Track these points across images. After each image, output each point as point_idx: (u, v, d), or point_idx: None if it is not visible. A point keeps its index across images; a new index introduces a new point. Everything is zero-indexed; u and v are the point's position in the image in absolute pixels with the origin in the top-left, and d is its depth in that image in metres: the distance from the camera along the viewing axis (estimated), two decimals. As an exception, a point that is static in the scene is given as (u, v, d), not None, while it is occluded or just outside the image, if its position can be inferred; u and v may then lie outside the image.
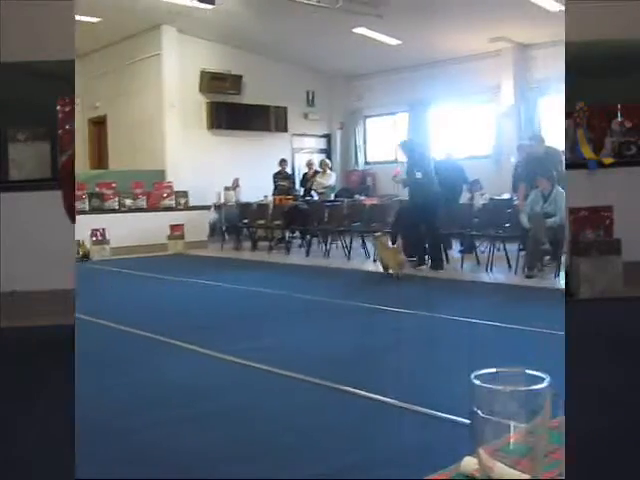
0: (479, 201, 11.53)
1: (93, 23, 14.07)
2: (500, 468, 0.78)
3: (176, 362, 5.26)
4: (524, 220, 9.08)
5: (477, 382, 0.75)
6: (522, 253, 9.45)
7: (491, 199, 11.66)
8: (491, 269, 9.58)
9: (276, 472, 3.18)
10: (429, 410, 3.87)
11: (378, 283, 9.39)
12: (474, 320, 6.36)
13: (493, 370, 0.77)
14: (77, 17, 13.62)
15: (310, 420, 3.91)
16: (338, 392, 4.34)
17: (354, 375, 4.68)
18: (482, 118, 15.98)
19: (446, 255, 10.45)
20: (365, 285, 9.28)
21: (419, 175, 10.07)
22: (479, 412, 0.75)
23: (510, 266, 9.48)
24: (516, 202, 9.96)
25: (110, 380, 4.78)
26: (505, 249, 9.78)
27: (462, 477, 0.87)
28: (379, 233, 10.10)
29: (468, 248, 10.48)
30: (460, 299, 7.85)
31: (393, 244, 9.84)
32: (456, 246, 11.34)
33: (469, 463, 0.84)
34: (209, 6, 12.80)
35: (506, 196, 11.80)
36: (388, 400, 4.08)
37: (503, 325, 6.16)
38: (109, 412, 4.10)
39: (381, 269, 9.61)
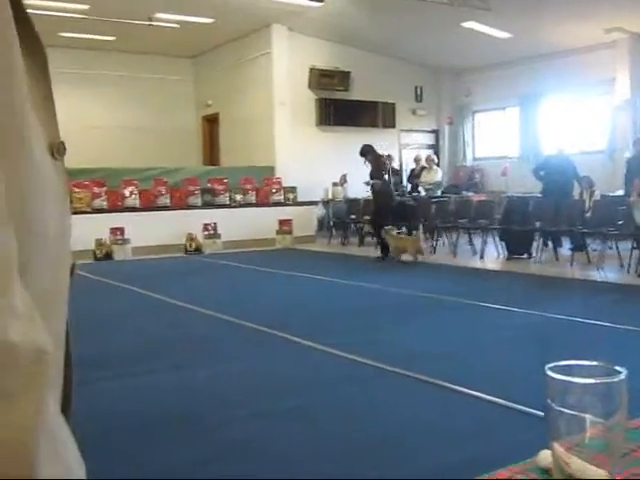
0: (590, 198, 11.19)
1: (208, 24, 14.45)
2: (577, 463, 0.77)
3: (282, 356, 5.36)
4: (638, 217, 8.75)
5: (551, 374, 0.75)
6: (636, 252, 9.12)
7: (603, 196, 11.30)
8: (602, 268, 9.28)
9: (379, 471, 3.20)
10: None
11: (484, 279, 9.28)
12: (583, 320, 6.19)
13: (569, 362, 0.77)
14: (193, 18, 14.08)
15: (413, 416, 3.91)
16: (439, 388, 4.32)
17: (457, 373, 4.65)
18: (596, 112, 15.46)
19: (556, 252, 10.21)
20: (471, 282, 9.17)
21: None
22: (553, 405, 0.75)
23: (622, 265, 9.17)
24: (630, 199, 9.62)
25: (220, 369, 4.91)
26: (617, 247, 9.46)
27: (538, 470, 0.87)
28: (389, 227, 11.00)
29: (579, 246, 10.20)
30: (568, 297, 7.65)
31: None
32: (566, 243, 11.05)
33: (545, 456, 0.84)
34: (318, 4, 12.91)
35: (620, 193, 11.41)
36: (496, 400, 4.04)
37: (613, 325, 5.97)
38: (218, 402, 4.22)
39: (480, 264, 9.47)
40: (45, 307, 0.58)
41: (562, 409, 0.74)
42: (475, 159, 18.35)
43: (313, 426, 3.78)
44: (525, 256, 10.77)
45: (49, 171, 0.65)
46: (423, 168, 15.42)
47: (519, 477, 0.86)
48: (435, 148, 18.43)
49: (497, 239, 11.17)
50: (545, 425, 0.76)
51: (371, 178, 11.66)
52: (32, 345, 0.53)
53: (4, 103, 0.57)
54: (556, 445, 0.76)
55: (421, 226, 11.31)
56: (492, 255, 11.14)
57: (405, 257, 10.37)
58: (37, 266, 0.58)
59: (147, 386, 4.58)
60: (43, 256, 0.61)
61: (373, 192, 11.44)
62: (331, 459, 3.32)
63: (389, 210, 11.29)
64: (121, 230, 12.47)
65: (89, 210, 12.68)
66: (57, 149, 0.67)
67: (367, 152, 11.60)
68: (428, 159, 15.36)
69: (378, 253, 11.33)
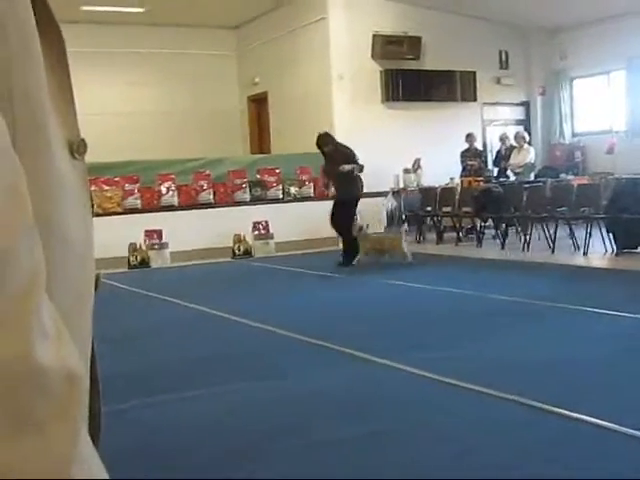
0: None
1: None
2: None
3: (342, 371, 5.39)
4: None
5: None
6: None
7: None
8: None
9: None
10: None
11: (589, 280, 9.17)
12: None
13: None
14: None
15: (499, 441, 3.91)
16: (533, 410, 4.30)
17: (555, 391, 4.62)
18: None
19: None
20: (573, 283, 9.06)
21: None
22: None
23: None
24: None
25: (272, 391, 4.97)
26: None
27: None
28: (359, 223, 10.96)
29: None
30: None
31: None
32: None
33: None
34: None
35: None
36: (600, 423, 4.01)
37: None
38: (273, 429, 4.28)
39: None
40: (70, 322, 0.61)
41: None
42: (574, 135, 18.08)
43: (383, 457, 3.81)
44: (639, 250, 10.59)
45: (69, 171, 0.68)
46: (512, 148, 15.29)
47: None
48: (525, 123, 18.23)
49: (604, 231, 11.01)
50: None
51: (327, 173, 11.63)
52: (63, 368, 0.56)
53: (23, 96, 0.61)
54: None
55: (406, 224, 11.24)
56: (598, 250, 10.98)
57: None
58: (61, 276, 0.61)
59: (188, 412, 4.66)
60: (67, 265, 0.65)
61: (340, 180, 11.17)
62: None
63: (356, 203, 11.22)
64: (158, 233, 12.66)
65: (120, 211, 12.93)
66: (77, 148, 0.70)
67: (326, 143, 11.46)
68: (517, 137, 15.22)
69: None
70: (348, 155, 11.29)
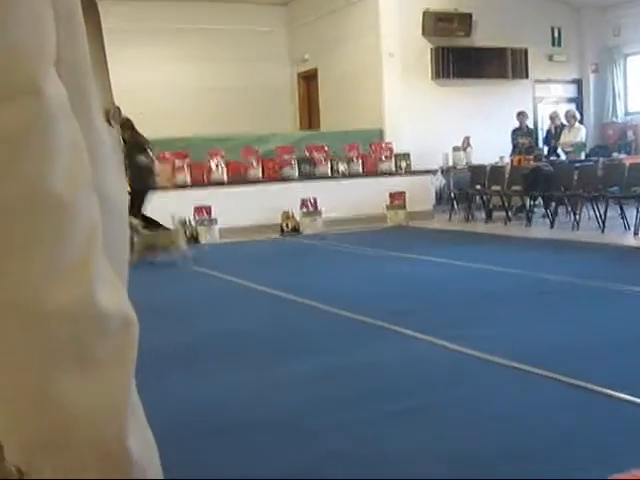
0: None
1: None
2: None
3: (390, 348, 5.38)
4: None
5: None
6: None
7: None
8: None
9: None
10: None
11: (637, 260, 9.04)
12: None
13: None
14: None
15: (546, 421, 3.87)
16: (582, 391, 4.26)
17: (605, 373, 4.57)
18: None
19: None
20: (625, 263, 8.94)
21: None
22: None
23: None
24: None
25: (318, 366, 4.98)
26: None
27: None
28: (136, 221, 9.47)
29: None
30: None
31: None
32: None
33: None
34: None
35: None
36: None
37: None
38: (318, 404, 4.28)
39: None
40: (116, 275, 0.65)
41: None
42: (627, 114, 17.80)
43: (429, 433, 3.80)
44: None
45: (107, 136, 0.72)
46: (563, 126, 15.10)
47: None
48: (577, 102, 18.00)
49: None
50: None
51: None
52: (120, 313, 0.61)
53: (70, 63, 0.64)
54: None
55: (178, 219, 10.47)
56: (650, 230, 10.82)
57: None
58: (106, 233, 0.64)
59: (233, 385, 4.69)
60: (110, 222, 0.68)
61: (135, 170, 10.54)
62: (453, 471, 3.33)
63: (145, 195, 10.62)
64: (207, 209, 12.71)
65: (170, 186, 13.00)
66: (112, 114, 0.74)
67: (126, 128, 11.06)
68: (568, 115, 15.04)
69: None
70: (142, 144, 10.72)
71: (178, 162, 13.20)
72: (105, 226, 0.64)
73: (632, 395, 4.07)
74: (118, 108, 0.75)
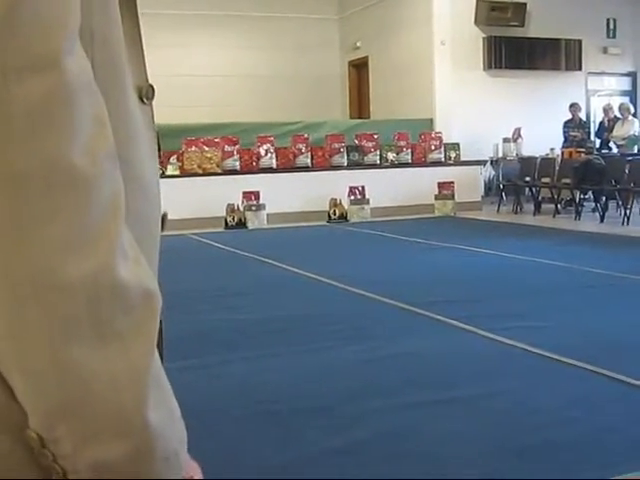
0: None
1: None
2: None
3: (435, 338, 5.39)
4: None
5: None
6: None
7: None
8: None
9: (536, 474, 3.19)
10: None
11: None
12: None
13: None
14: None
15: (587, 415, 3.86)
16: (620, 384, 4.23)
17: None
18: None
19: None
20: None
21: None
22: None
23: None
24: None
25: (361, 352, 5.00)
26: None
27: None
28: None
29: None
30: None
31: None
32: None
33: None
34: None
35: None
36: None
37: None
38: (357, 390, 4.31)
39: None
40: (144, 252, 0.65)
41: None
42: (683, 107, 17.53)
43: (473, 424, 3.80)
44: None
45: (139, 114, 0.72)
46: (616, 119, 14.92)
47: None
48: (631, 94, 17.74)
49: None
50: None
51: None
52: (141, 286, 0.61)
53: (103, 39, 0.65)
54: None
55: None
56: (702, 226, 10.68)
57: None
58: (134, 210, 0.65)
59: (275, 369, 4.72)
60: (140, 201, 0.70)
61: None
62: (485, 461, 3.33)
63: None
64: (256, 194, 12.79)
65: (219, 172, 13.09)
66: (146, 92, 0.74)
67: None
68: (622, 108, 14.85)
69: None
70: None
71: (228, 147, 13.27)
72: (134, 203, 0.65)
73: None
74: (152, 86, 0.75)
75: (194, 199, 12.25)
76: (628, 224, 11.46)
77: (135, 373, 0.60)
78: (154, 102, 0.76)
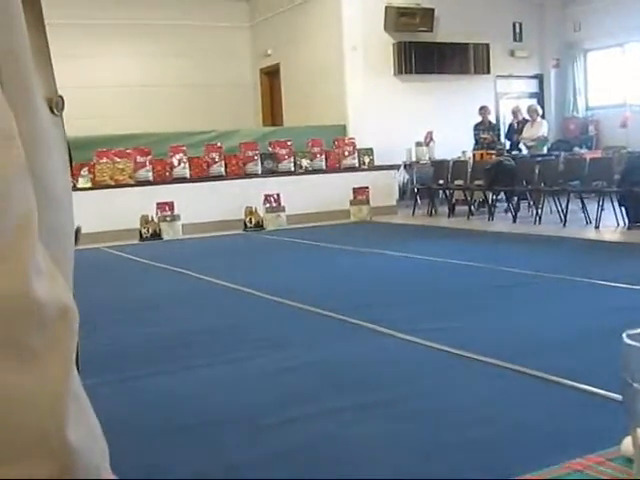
0: None
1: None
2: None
3: (354, 343, 5.42)
4: None
5: (631, 342, 0.77)
6: None
7: None
8: None
9: (459, 472, 3.24)
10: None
11: (601, 253, 9.16)
12: None
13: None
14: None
15: (506, 412, 3.93)
16: (536, 380, 4.32)
17: (563, 363, 4.64)
18: None
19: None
20: (585, 257, 9.06)
21: None
22: (633, 383, 0.77)
23: None
24: None
25: (280, 361, 5.01)
26: None
27: (623, 460, 0.90)
28: None
29: None
30: None
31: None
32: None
33: (630, 444, 0.87)
34: None
35: None
36: (609, 395, 4.03)
37: None
38: (277, 399, 4.31)
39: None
40: (58, 267, 0.64)
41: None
42: (588, 109, 17.99)
43: (395, 425, 3.84)
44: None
45: (50, 127, 0.71)
46: (525, 121, 15.24)
47: (600, 467, 0.90)
48: (539, 97, 18.15)
49: (616, 204, 10.98)
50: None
51: None
52: (57, 302, 0.59)
53: (7, 50, 0.64)
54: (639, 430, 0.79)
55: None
56: (610, 224, 10.96)
57: None
58: (45, 225, 0.63)
59: (195, 381, 4.70)
60: (51, 215, 0.68)
61: None
62: (410, 462, 3.37)
63: None
64: (170, 205, 12.69)
65: (132, 183, 12.96)
66: (56, 104, 0.73)
67: None
68: (530, 110, 15.17)
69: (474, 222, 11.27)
70: None
71: (140, 158, 13.14)
72: (47, 218, 0.64)
73: (587, 385, 4.14)
74: (61, 97, 0.73)
75: (107, 211, 12.10)
76: (540, 223, 11.72)
77: (53, 390, 0.59)
78: (64, 114, 0.75)
